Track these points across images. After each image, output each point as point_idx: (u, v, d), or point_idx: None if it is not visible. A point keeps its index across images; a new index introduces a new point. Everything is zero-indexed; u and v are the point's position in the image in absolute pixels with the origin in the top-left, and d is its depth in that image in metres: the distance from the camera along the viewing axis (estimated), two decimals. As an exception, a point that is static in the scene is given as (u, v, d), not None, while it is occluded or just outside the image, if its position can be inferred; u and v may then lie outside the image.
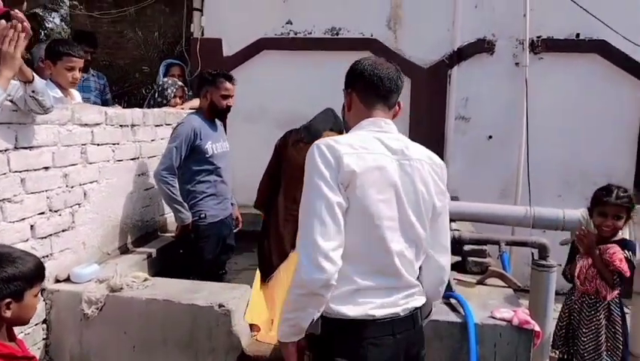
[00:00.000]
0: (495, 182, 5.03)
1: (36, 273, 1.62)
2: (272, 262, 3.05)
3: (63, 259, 2.71)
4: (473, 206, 3.75)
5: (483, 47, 5.05)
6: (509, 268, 3.61)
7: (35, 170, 2.48)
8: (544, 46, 4.94)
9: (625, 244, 2.76)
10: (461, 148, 5.15)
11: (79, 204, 2.82)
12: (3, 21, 1.94)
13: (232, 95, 3.37)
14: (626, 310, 2.86)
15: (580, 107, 4.95)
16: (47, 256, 2.59)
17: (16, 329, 1.70)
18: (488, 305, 2.46)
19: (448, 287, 2.79)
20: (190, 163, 3.26)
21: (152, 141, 3.60)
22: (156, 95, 4.24)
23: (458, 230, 3.31)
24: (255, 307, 2.76)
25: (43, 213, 2.55)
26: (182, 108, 4.16)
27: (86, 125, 2.85)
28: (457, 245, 3.16)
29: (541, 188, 4.72)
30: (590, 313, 2.78)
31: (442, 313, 2.37)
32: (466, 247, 3.07)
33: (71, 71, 3.08)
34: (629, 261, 2.70)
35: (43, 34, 6.92)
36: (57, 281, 2.68)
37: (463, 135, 5.17)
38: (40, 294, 1.72)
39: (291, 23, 5.26)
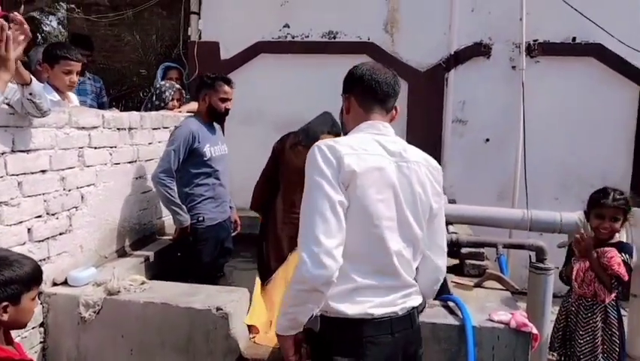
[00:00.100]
0: (492, 185, 5.04)
1: (33, 276, 1.62)
2: (270, 266, 3.05)
3: (60, 262, 2.71)
4: (471, 209, 3.75)
5: (480, 50, 5.07)
6: (507, 270, 3.62)
7: (32, 173, 2.48)
8: (541, 49, 4.96)
9: (622, 247, 2.77)
10: (458, 151, 5.16)
11: (76, 208, 2.82)
12: (1, 22, 1.93)
13: (230, 99, 3.38)
14: (623, 312, 2.87)
15: (576, 111, 4.97)
16: (44, 259, 2.58)
17: (14, 333, 1.70)
18: (486, 308, 2.46)
19: (446, 290, 2.80)
20: (188, 166, 3.26)
21: (150, 144, 3.59)
22: (154, 98, 4.24)
23: (456, 233, 3.31)
24: (255, 311, 2.77)
25: (40, 216, 2.54)
26: (180, 111, 4.16)
27: (84, 128, 2.85)
28: (454, 248, 3.16)
29: (538, 191, 4.73)
30: (586, 315, 2.79)
31: (440, 316, 2.37)
32: (464, 250, 3.07)
33: (69, 74, 3.08)
34: (626, 264, 2.71)
35: (40, 37, 6.92)
36: (54, 284, 2.67)
37: (461, 138, 5.18)
38: (37, 297, 1.72)
39: (289, 27, 5.27)
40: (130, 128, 3.33)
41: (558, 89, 4.98)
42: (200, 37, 5.37)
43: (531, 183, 4.63)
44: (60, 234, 2.69)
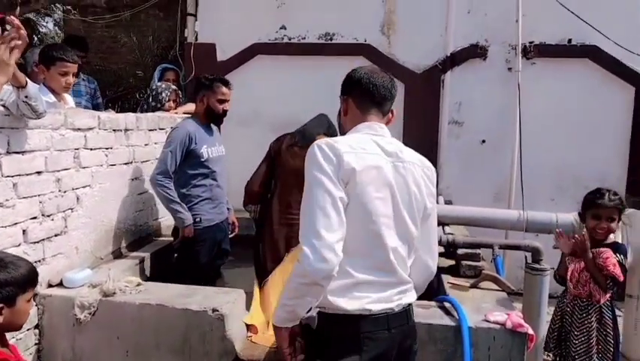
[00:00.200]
0: (488, 186, 5.06)
1: (28, 278, 1.61)
2: (266, 267, 3.05)
3: (56, 263, 2.70)
4: (467, 210, 3.77)
5: (476, 52, 5.09)
6: (503, 271, 3.63)
7: (28, 175, 2.47)
8: (537, 51, 4.98)
9: (617, 248, 2.78)
10: (455, 152, 5.17)
11: (71, 209, 2.81)
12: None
13: (228, 100, 3.38)
14: (617, 313, 2.88)
15: (572, 112, 4.99)
16: (40, 260, 2.58)
17: (8, 335, 1.69)
18: (482, 309, 2.47)
19: (442, 291, 2.81)
20: (185, 167, 3.25)
21: (146, 145, 3.59)
22: (150, 99, 4.23)
23: (452, 234, 3.32)
24: (254, 311, 2.77)
25: (35, 217, 2.54)
26: (176, 112, 4.16)
27: (79, 129, 2.84)
28: (450, 249, 3.17)
29: (534, 192, 4.74)
30: (581, 315, 2.80)
31: (436, 316, 2.38)
32: (460, 251, 3.08)
33: (65, 76, 3.07)
34: (621, 265, 2.72)
35: (36, 38, 6.91)
36: (49, 286, 2.67)
37: (457, 140, 5.19)
38: (32, 299, 1.71)
39: (285, 28, 5.27)
40: (126, 130, 3.32)
41: (554, 91, 5.00)
42: (196, 39, 5.37)
43: (527, 184, 4.63)
44: (55, 235, 2.69)
